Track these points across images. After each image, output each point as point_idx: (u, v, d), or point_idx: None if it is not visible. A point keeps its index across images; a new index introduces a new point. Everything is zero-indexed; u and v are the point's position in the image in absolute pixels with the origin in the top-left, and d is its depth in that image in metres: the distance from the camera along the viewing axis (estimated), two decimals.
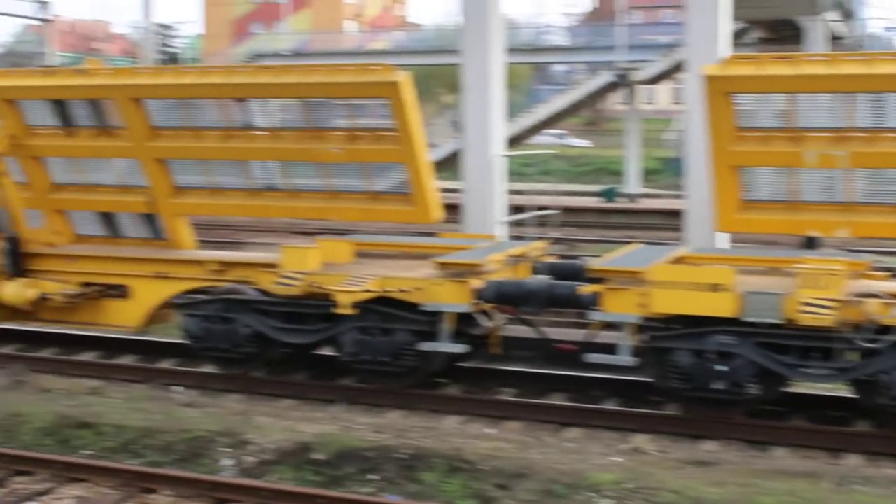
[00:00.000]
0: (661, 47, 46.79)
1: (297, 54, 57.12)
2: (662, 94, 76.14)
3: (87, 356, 15.17)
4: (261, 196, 14.42)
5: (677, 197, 28.72)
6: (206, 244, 16.04)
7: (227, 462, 10.20)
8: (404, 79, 12.77)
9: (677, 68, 37.75)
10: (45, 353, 15.25)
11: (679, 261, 12.48)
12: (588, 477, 9.47)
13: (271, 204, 14.47)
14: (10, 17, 57.11)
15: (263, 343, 13.18)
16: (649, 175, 50.54)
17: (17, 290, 14.76)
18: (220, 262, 13.96)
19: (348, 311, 12.41)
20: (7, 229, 15.09)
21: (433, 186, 13.44)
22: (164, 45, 69.78)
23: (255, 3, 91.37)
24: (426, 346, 12.27)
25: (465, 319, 12.28)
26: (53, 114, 14.85)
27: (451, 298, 12.11)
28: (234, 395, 13.12)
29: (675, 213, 21.95)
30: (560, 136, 69.57)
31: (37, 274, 14.98)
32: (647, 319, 11.38)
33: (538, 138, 60.74)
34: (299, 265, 12.90)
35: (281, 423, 11.38)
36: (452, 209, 16.89)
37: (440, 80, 63.09)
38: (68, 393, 12.85)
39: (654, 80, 46.47)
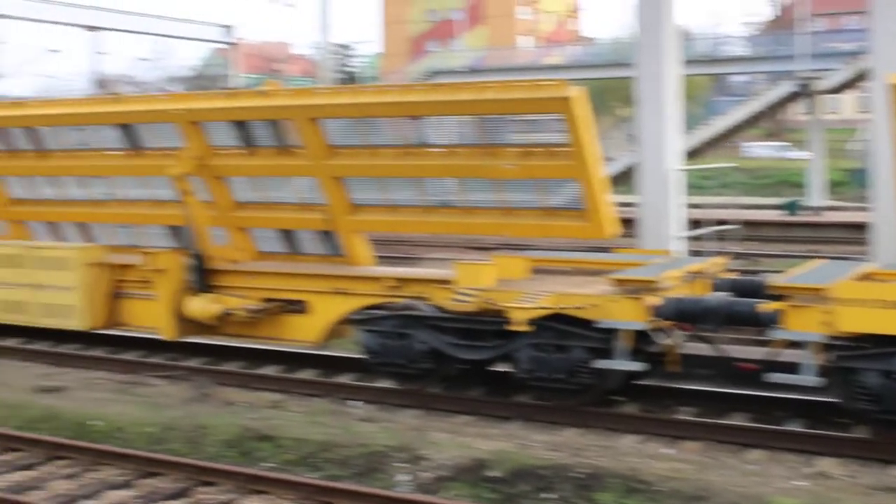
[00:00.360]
0: (844, 55, 45.31)
1: (473, 71, 57.61)
2: (847, 104, 73.69)
3: (269, 370, 15.53)
4: (436, 212, 14.52)
5: (864, 210, 27.69)
6: (382, 260, 16.25)
7: (403, 477, 10.26)
8: (578, 94, 12.66)
9: (862, 76, 36.46)
10: (230, 367, 15.68)
11: (867, 277, 11.98)
12: (770, 501, 9.16)
13: (446, 220, 14.56)
14: (198, 42, 59.32)
15: (439, 359, 13.24)
16: (834, 187, 48.96)
17: (202, 306, 15.25)
18: (396, 279, 14.11)
19: (523, 328, 12.36)
20: (193, 246, 15.60)
21: (608, 201, 13.28)
22: (343, 64, 71.21)
23: (432, 22, 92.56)
24: (602, 364, 12.11)
25: (641, 337, 12.07)
26: (235, 134, 15.30)
27: (627, 315, 11.92)
28: (411, 410, 13.21)
29: (862, 227, 21.14)
30: (780, 148, 68.07)
31: (221, 290, 15.45)
32: (833, 338, 10.95)
33: (756, 150, 59.55)
34: (474, 281, 12.92)
35: (456, 440, 11.41)
36: (630, 224, 16.67)
37: (615, 93, 62.66)
38: (251, 406, 13.18)
39: (838, 89, 45.05)
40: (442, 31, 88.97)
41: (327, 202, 14.91)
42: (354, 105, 14.35)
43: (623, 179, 34.34)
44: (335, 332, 14.91)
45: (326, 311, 14.67)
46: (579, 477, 9.88)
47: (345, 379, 14.78)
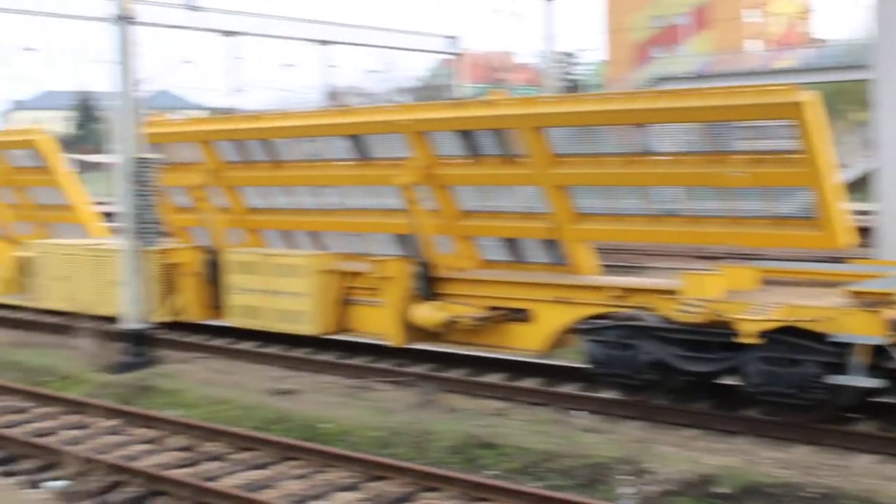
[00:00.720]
0: None
1: (699, 76, 56.58)
2: None
3: (493, 378, 15.60)
4: (661, 221, 14.29)
5: None
6: (607, 269, 16.12)
7: (626, 490, 10.12)
8: (810, 98, 12.22)
9: None
10: (454, 374, 15.85)
11: None
12: None
13: (672, 229, 14.30)
14: (424, 53, 60.50)
15: (664, 370, 13.01)
16: None
17: (428, 313, 15.49)
18: (621, 288, 13.96)
19: (752, 341, 11.99)
20: (419, 254, 15.87)
21: (842, 210, 12.76)
22: (567, 73, 71.17)
23: (657, 28, 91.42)
24: (836, 380, 11.61)
25: (879, 352, 11.51)
26: (461, 144, 15.47)
27: (864, 329, 11.40)
28: (635, 421, 13.02)
29: None
30: None
31: (446, 297, 15.65)
32: None
33: None
34: (701, 292, 12.64)
35: (682, 453, 11.18)
36: (866, 233, 15.98)
37: (850, 96, 60.22)
38: (475, 413, 13.27)
39: None
40: (667, 37, 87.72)
41: (551, 211, 14.89)
42: (578, 113, 14.30)
43: (859, 186, 33.02)
44: (559, 341, 14.88)
45: (550, 319, 14.66)
46: (812, 497, 9.51)
47: (568, 388, 14.71)
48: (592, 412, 13.47)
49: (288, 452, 11.65)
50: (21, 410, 14.15)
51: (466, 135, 15.37)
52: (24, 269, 21.69)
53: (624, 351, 13.22)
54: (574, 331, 14.33)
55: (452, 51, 57.05)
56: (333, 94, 54.49)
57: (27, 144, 22.10)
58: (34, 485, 11.03)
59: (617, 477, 10.38)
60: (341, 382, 15.42)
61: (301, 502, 10.22)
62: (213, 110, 68.86)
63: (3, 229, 22.94)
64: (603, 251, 17.05)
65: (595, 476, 10.49)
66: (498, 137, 15.08)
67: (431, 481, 10.54)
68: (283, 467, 11.35)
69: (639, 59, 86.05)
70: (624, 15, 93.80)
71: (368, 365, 16.61)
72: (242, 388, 14.86)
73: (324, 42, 50.91)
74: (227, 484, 10.67)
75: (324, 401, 14.02)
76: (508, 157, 15.11)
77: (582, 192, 14.75)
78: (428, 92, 70.16)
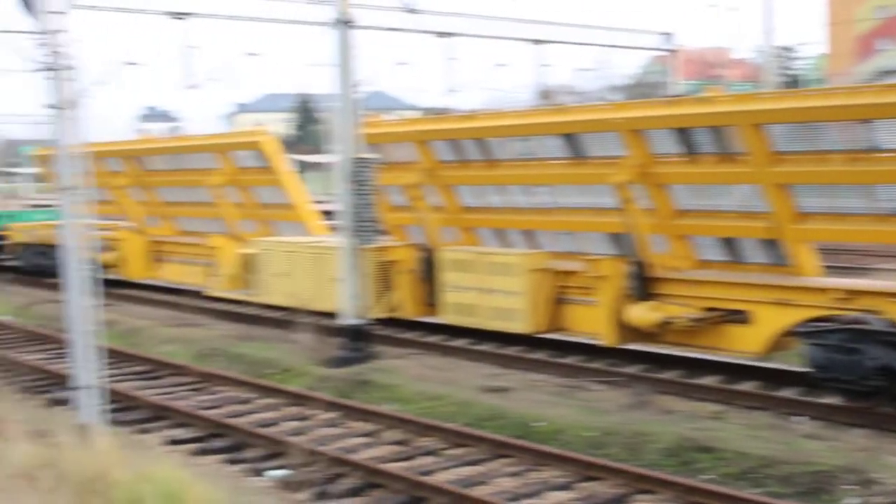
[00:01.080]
0: None
1: None
2: None
3: (709, 380, 15.26)
4: (888, 221, 13.68)
5: None
6: (830, 270, 15.55)
7: (852, 500, 9.75)
8: None
9: None
10: (669, 375, 15.58)
11: None
12: None
13: None
14: (637, 50, 59.80)
15: (892, 376, 12.46)
16: None
17: (642, 313, 15.30)
18: (845, 290, 13.45)
19: None
20: (634, 254, 15.69)
21: None
22: (786, 67, 69.12)
23: (882, 19, 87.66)
24: None
25: None
26: (677, 142, 15.21)
27: None
28: (859, 429, 12.50)
29: None
30: None
31: (661, 297, 15.42)
32: None
33: None
34: None
35: None
36: None
37: None
38: (690, 415, 13.02)
39: None
40: (892, 28, 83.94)
41: (771, 210, 14.47)
42: (800, 109, 13.83)
43: None
44: (778, 343, 14.44)
45: (770, 321, 14.25)
46: None
47: (788, 393, 14.24)
48: (814, 418, 13.00)
49: (501, 450, 11.72)
50: (245, 401, 14.73)
51: (683, 132, 15.10)
52: (247, 265, 22.57)
53: (848, 355, 12.72)
54: (794, 334, 13.88)
55: (667, 47, 56.14)
56: (546, 93, 54.44)
57: (252, 146, 23.00)
58: (257, 473, 11.45)
59: (841, 486, 10.01)
60: (553, 381, 15.38)
61: (515, 500, 10.25)
62: (428, 110, 69.98)
63: (229, 227, 23.90)
64: (825, 251, 16.48)
65: (818, 484, 10.15)
66: (715, 135, 14.76)
67: (646, 483, 10.41)
68: (496, 464, 11.43)
69: (862, 52, 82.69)
70: (846, 7, 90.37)
71: (581, 364, 16.51)
72: (456, 384, 15.02)
73: (537, 41, 50.87)
74: (441, 479, 10.81)
75: (536, 399, 14.02)
76: (726, 155, 14.76)
77: (803, 191, 14.28)
78: (641, 89, 69.26)
